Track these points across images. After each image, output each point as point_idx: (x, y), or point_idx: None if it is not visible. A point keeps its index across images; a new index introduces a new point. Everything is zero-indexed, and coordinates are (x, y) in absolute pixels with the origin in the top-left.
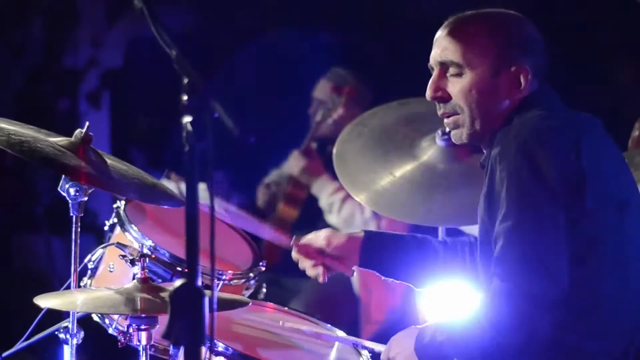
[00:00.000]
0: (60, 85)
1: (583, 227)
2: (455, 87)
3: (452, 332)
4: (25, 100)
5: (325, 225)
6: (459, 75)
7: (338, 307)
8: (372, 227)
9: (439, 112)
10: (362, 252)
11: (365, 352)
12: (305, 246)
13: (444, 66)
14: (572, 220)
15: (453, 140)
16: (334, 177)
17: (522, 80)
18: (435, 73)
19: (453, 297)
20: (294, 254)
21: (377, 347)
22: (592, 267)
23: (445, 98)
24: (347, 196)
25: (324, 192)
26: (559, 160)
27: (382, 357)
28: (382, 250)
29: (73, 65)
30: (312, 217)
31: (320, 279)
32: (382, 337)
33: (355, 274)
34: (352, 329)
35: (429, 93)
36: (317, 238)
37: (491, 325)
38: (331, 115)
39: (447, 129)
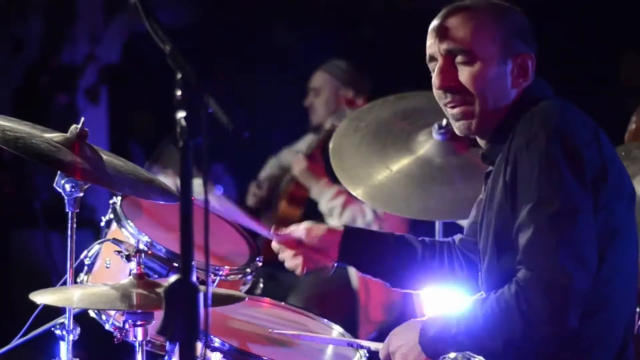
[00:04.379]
0: (58, 80)
1: (604, 219)
2: (465, 74)
3: (471, 323)
4: (24, 95)
5: None
6: (468, 63)
7: (336, 304)
8: (375, 229)
9: (445, 101)
10: (341, 247)
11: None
12: (285, 236)
13: (450, 54)
14: (595, 211)
15: (458, 132)
16: (333, 181)
17: (529, 68)
18: (441, 62)
19: (453, 297)
20: (274, 244)
21: (373, 345)
22: (610, 259)
23: (455, 87)
24: (348, 200)
25: (324, 197)
26: (587, 150)
27: (381, 353)
28: (361, 246)
29: (71, 61)
30: (315, 219)
31: (298, 271)
32: (382, 336)
33: (354, 272)
34: (350, 325)
35: (437, 82)
36: (296, 228)
37: (522, 317)
38: None
39: (453, 120)
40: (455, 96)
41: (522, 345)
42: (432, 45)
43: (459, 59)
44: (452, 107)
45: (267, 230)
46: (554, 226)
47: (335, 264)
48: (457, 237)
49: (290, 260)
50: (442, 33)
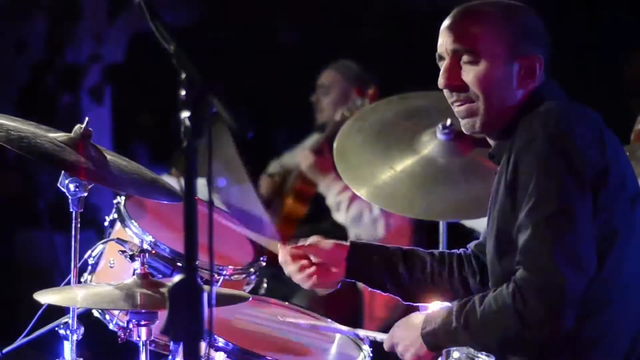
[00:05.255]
0: (62, 80)
1: (603, 221)
2: (470, 74)
3: (469, 319)
4: (28, 95)
5: (332, 222)
6: (473, 62)
7: (340, 303)
8: (381, 225)
9: (451, 99)
10: (348, 263)
11: (365, 347)
12: (293, 248)
13: (457, 54)
14: (595, 213)
15: (464, 130)
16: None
17: (536, 69)
18: (447, 61)
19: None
20: (281, 258)
21: (379, 336)
22: (609, 260)
23: (460, 86)
24: (355, 195)
25: (331, 191)
26: (587, 151)
27: (385, 344)
28: (368, 261)
29: (75, 61)
30: (318, 214)
31: (306, 285)
32: (385, 333)
33: None
34: (355, 324)
35: (442, 81)
36: (303, 242)
37: (518, 317)
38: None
39: (459, 117)
40: (460, 94)
41: (516, 344)
42: (441, 45)
43: (464, 58)
44: (458, 105)
45: (282, 241)
46: (551, 227)
47: (340, 283)
48: (473, 243)
49: (296, 274)
50: (450, 33)
